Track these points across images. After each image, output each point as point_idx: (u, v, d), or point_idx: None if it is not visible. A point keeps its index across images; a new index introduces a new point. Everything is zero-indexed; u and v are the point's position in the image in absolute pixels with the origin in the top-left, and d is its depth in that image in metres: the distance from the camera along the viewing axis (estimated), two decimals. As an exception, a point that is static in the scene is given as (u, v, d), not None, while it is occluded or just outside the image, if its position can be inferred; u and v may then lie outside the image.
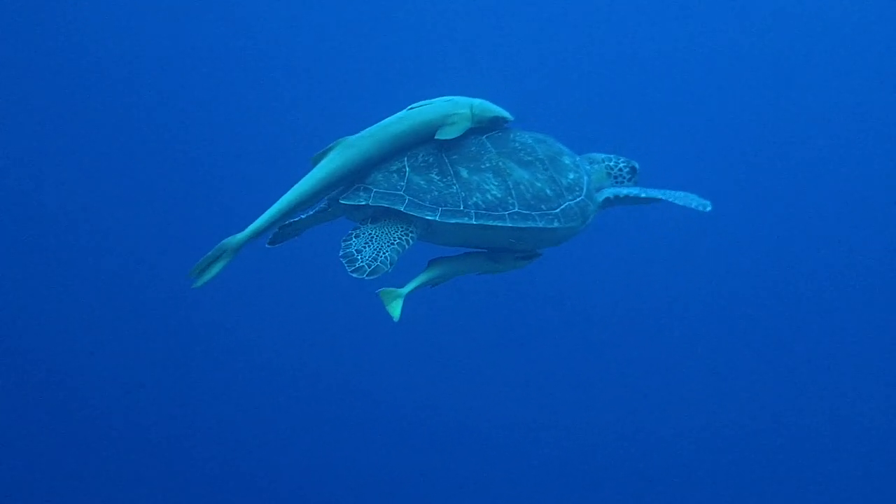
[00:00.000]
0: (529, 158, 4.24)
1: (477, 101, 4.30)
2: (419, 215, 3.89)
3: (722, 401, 8.55)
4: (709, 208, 4.32)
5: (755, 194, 8.94)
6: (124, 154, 8.26)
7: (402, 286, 4.08)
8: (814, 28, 9.23)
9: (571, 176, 4.32)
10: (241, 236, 3.90)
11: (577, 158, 4.53)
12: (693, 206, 4.34)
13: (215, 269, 3.86)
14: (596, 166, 4.64)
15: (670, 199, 4.40)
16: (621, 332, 8.54)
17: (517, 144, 4.30)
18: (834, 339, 8.72)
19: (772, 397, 8.59)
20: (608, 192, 4.52)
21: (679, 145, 8.55)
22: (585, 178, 4.41)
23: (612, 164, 4.69)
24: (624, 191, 4.51)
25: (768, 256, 8.94)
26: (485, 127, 4.32)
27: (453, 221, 3.91)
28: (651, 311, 8.69)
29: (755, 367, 8.67)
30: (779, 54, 9.24)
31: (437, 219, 3.89)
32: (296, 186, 3.97)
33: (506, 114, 4.39)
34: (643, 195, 4.43)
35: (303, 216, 4.21)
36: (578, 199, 4.28)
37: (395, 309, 4.00)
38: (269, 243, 4.24)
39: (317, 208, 4.21)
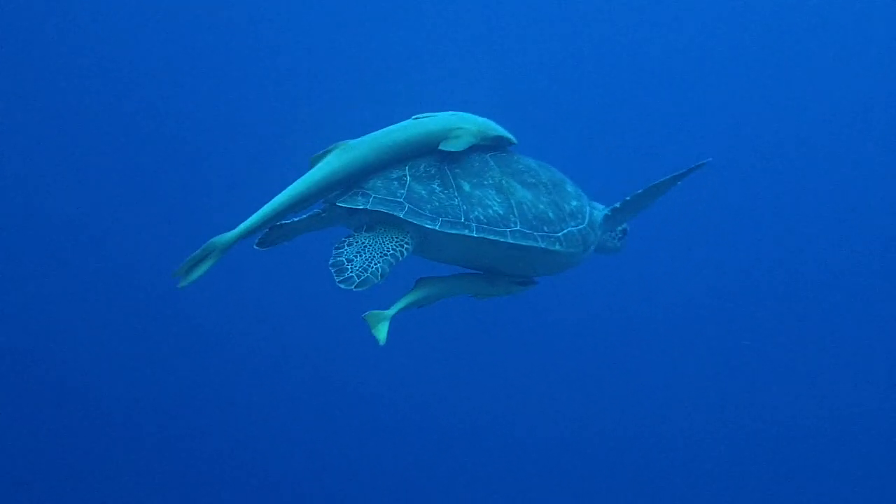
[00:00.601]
0: (533, 181, 4.14)
1: (482, 119, 4.22)
2: (418, 223, 3.74)
3: (712, 403, 8.40)
4: (709, 159, 4.18)
5: (749, 196, 8.93)
6: (119, 150, 8.09)
7: (389, 306, 3.94)
8: (799, 31, 9.29)
9: (574, 203, 4.24)
10: (230, 235, 3.71)
11: (580, 190, 4.45)
12: (693, 166, 4.17)
13: (202, 269, 3.66)
14: (596, 212, 4.54)
15: (668, 177, 4.17)
16: (616, 342, 8.40)
17: (521, 166, 4.20)
18: (830, 338, 8.62)
19: (770, 395, 8.45)
20: (605, 210, 4.40)
21: (672, 153, 8.52)
22: (587, 208, 4.33)
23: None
24: (618, 203, 4.35)
25: (765, 258, 8.88)
26: (488, 146, 4.22)
27: (453, 232, 3.77)
28: (644, 321, 8.57)
29: (748, 368, 8.54)
30: (771, 54, 9.28)
31: (436, 228, 3.75)
32: (291, 186, 3.81)
33: (510, 136, 4.30)
34: (640, 191, 4.24)
35: (296, 219, 4.04)
36: (581, 227, 4.19)
37: (381, 332, 3.83)
38: (257, 244, 4.03)
39: (311, 212, 4.05)
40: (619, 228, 4.67)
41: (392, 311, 3.89)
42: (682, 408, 8.39)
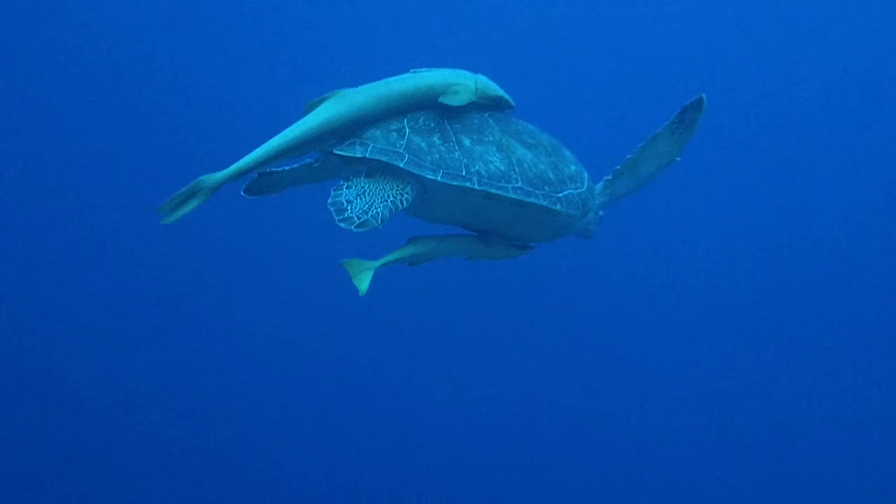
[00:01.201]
0: (533, 142, 4.06)
1: (481, 77, 4.11)
2: (419, 173, 3.60)
3: (706, 399, 8.33)
4: (703, 94, 4.08)
5: (746, 195, 8.92)
6: (111, 91, 7.78)
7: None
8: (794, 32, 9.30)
9: (573, 168, 4.16)
10: (219, 175, 3.57)
11: (577, 158, 4.37)
12: (687, 104, 4.02)
13: (188, 208, 3.53)
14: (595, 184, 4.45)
15: (665, 125, 4.06)
16: (613, 325, 8.31)
17: (520, 127, 4.11)
18: (829, 337, 8.60)
19: (768, 394, 8.40)
20: (606, 177, 4.31)
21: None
22: (586, 174, 4.26)
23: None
24: (619, 165, 4.22)
25: (766, 256, 8.86)
26: (486, 105, 4.10)
27: (455, 184, 3.64)
28: (643, 306, 8.50)
29: (745, 363, 8.48)
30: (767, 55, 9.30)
31: (437, 179, 3.61)
32: (285, 131, 3.66)
33: (508, 97, 4.18)
34: (639, 146, 4.13)
35: (286, 168, 3.89)
36: (580, 191, 4.11)
37: (363, 282, 3.68)
38: (245, 191, 3.91)
39: (303, 162, 3.89)
40: (598, 214, 4.58)
41: (377, 263, 3.75)
42: (675, 401, 8.32)
